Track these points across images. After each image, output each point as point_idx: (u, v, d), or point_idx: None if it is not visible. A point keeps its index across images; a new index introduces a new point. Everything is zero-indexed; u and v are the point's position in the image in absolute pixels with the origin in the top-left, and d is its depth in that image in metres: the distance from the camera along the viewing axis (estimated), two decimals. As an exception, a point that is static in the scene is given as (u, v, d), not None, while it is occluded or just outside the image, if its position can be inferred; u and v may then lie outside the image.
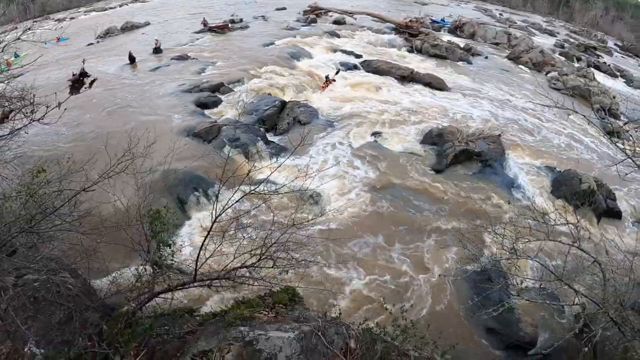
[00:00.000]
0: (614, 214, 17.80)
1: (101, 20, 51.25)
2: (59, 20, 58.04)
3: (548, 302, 9.92)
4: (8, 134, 9.24)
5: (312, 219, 9.54)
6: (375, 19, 49.02)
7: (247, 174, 8.21)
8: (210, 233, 7.68)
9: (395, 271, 13.20)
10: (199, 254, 7.75)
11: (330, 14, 50.01)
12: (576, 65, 44.46)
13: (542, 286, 10.11)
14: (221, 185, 8.06)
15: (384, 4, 66.07)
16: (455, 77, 32.79)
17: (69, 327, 7.16)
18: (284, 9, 54.40)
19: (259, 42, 35.34)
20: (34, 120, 7.96)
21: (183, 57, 30.33)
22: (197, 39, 37.00)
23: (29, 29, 9.38)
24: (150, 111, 20.73)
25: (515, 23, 70.89)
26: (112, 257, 9.49)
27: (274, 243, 7.74)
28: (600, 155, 23.14)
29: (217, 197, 8.04)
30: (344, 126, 21.38)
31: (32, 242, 8.06)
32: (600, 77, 41.27)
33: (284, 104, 22.73)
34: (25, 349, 6.60)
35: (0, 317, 6.69)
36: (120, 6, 69.15)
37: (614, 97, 32.70)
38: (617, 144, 9.72)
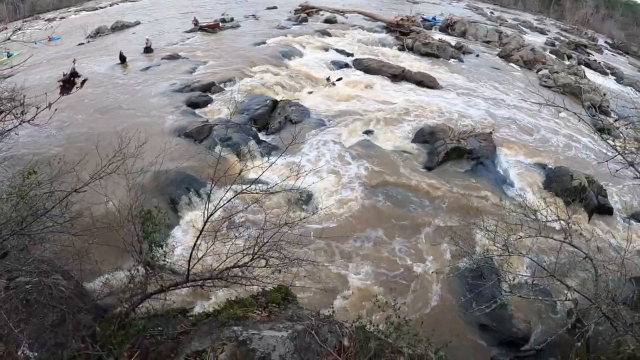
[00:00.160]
0: (605, 210, 17.94)
1: (91, 20, 51.01)
2: (49, 20, 57.74)
3: (541, 298, 9.98)
4: (-2, 135, 9.17)
5: (304, 218, 9.54)
6: (366, 17, 49.05)
7: (239, 174, 8.21)
8: (203, 233, 7.67)
9: (388, 268, 13.25)
10: (191, 254, 7.74)
11: (321, 12, 49.96)
12: (567, 63, 44.78)
13: (534, 282, 10.19)
14: (213, 185, 8.06)
15: (375, 2, 66.04)
16: (447, 75, 32.84)
17: (62, 329, 7.13)
18: (275, 7, 54.29)
19: (250, 41, 35.28)
20: (24, 122, 7.91)
21: (174, 57, 30.24)
22: (188, 38, 36.93)
23: (19, 29, 9.30)
24: (141, 111, 20.66)
25: (506, 21, 71.24)
26: (104, 258, 9.45)
27: (267, 242, 7.74)
28: (591, 152, 23.29)
29: (209, 197, 8.02)
30: (335, 125, 21.39)
31: (23, 245, 8.00)
32: (590, 74, 41.49)
33: (275, 103, 22.73)
34: (19, 352, 6.57)
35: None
36: (111, 5, 68.87)
37: (605, 95, 32.92)
38: (607, 140, 9.74)
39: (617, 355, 7.51)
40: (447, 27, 51.11)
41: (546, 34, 67.63)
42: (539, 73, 37.99)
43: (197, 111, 21.27)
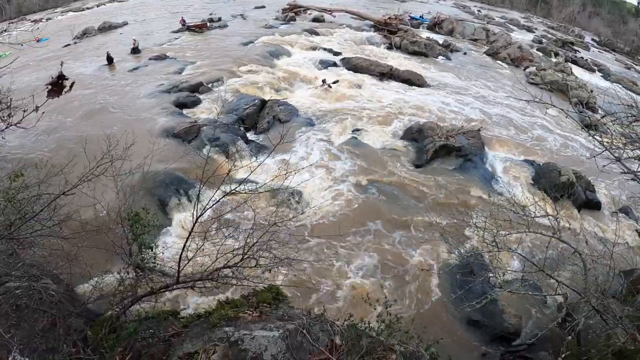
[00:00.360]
0: (593, 205, 18.14)
1: (78, 21, 50.55)
2: (35, 21, 57.07)
3: (531, 293, 10.04)
4: (-16, 139, 9.10)
5: (293, 217, 9.56)
6: (354, 16, 49.18)
7: (227, 174, 8.16)
8: (192, 234, 7.66)
9: (378, 266, 13.29)
10: (181, 256, 7.72)
11: (309, 12, 49.98)
12: (554, 60, 45.03)
13: (524, 278, 10.23)
14: (201, 186, 8.05)
15: (363, 1, 66.07)
16: (435, 73, 33.00)
17: (53, 334, 7.08)
18: (263, 7, 54.23)
19: (238, 41, 35.20)
20: (11, 125, 7.85)
21: (161, 57, 30.16)
22: (176, 38, 36.73)
23: (5, 30, 9.24)
24: (129, 113, 20.56)
25: (494, 19, 71.52)
26: (94, 261, 9.40)
27: (256, 242, 7.75)
28: (579, 148, 23.52)
29: (197, 197, 8.04)
30: (324, 123, 21.44)
31: (12, 249, 7.94)
32: (577, 71, 41.82)
33: (263, 102, 22.72)
34: (10, 358, 6.51)
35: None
36: (98, 6, 68.26)
37: (592, 91, 33.25)
38: (594, 136, 9.82)
39: (607, 348, 7.57)
40: (435, 25, 51.24)
41: (533, 32, 68.02)
42: (527, 70, 38.30)
43: (185, 112, 21.21)
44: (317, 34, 40.14)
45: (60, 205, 8.07)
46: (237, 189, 8.01)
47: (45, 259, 8.61)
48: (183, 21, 40.62)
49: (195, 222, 7.60)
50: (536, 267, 9.04)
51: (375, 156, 18.87)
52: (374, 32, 43.53)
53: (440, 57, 37.75)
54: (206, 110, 21.62)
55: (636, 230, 16.29)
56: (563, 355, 7.94)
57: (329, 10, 49.21)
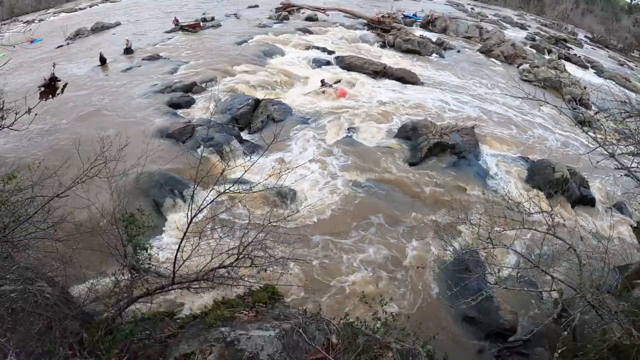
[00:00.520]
0: (588, 201, 18.22)
1: (71, 22, 50.29)
2: (27, 22, 56.80)
3: (526, 289, 10.08)
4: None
5: (287, 216, 9.56)
6: (347, 15, 49.14)
7: (221, 174, 8.16)
8: (187, 234, 7.65)
9: (373, 264, 13.30)
10: (176, 256, 7.70)
11: (302, 11, 49.95)
12: (547, 57, 45.24)
13: (519, 274, 10.30)
14: (195, 186, 8.04)
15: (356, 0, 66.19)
16: (428, 71, 33.06)
17: (49, 337, 7.05)
18: (257, 6, 54.11)
19: (232, 40, 35.13)
20: (3, 127, 7.81)
21: (154, 57, 30.05)
22: (169, 38, 36.59)
23: (-3, 32, 9.20)
24: (122, 113, 20.48)
25: (487, 17, 71.72)
26: (89, 263, 9.40)
27: (251, 242, 7.75)
28: (573, 144, 23.62)
29: (192, 198, 8.01)
30: (318, 122, 21.42)
31: (6, 252, 7.90)
32: (571, 68, 42.00)
33: (257, 102, 22.66)
34: (6, 362, 6.50)
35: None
36: (90, 6, 67.99)
37: (585, 88, 33.35)
38: (588, 133, 9.90)
39: (603, 343, 7.59)
40: (428, 23, 51.30)
41: (526, 29, 68.37)
42: (520, 68, 38.40)
43: (179, 112, 21.13)
44: (310, 32, 40.14)
45: (54, 208, 8.04)
46: (231, 189, 8.01)
47: (40, 262, 8.57)
48: (176, 21, 40.46)
49: (190, 222, 7.58)
50: (531, 263, 9.06)
51: (369, 154, 18.87)
52: (367, 30, 43.52)
53: (433, 55, 37.81)
54: (200, 110, 21.55)
55: (630, 226, 16.39)
56: (559, 351, 7.98)
57: (322, 9, 49.20)
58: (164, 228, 13.98)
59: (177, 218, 13.89)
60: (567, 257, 9.82)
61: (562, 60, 42.15)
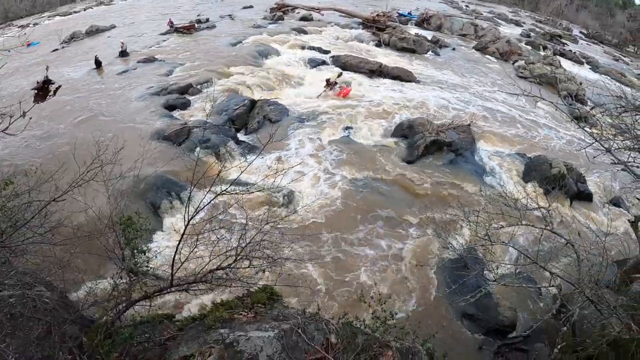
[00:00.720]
0: (585, 197, 18.19)
1: (66, 25, 50.18)
2: (22, 26, 56.79)
3: (525, 285, 10.12)
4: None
5: (285, 216, 9.57)
6: (342, 14, 49.17)
7: (218, 175, 8.13)
8: (184, 236, 7.62)
9: (371, 263, 13.31)
10: (174, 259, 7.67)
11: (297, 10, 50.01)
12: (542, 53, 45.35)
13: (518, 270, 10.31)
14: (192, 188, 8.02)
15: (351, -1, 66.23)
16: (424, 69, 33.09)
17: (48, 341, 7.03)
18: (251, 7, 54.21)
19: (227, 41, 35.12)
20: (-2, 132, 7.79)
21: (150, 60, 30.00)
22: (164, 40, 36.55)
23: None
24: (118, 116, 20.46)
25: (482, 14, 71.90)
26: (87, 267, 9.38)
27: (249, 243, 7.73)
28: (569, 140, 23.66)
29: (189, 199, 8.00)
30: (314, 122, 21.40)
31: (5, 257, 7.88)
32: (566, 64, 42.17)
33: (253, 102, 22.69)
34: (6, 367, 6.48)
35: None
36: (85, 10, 68.04)
37: (581, 84, 33.42)
38: (584, 128, 9.92)
39: (602, 338, 7.59)
40: (423, 21, 51.42)
41: (521, 26, 68.55)
42: (515, 64, 38.50)
43: (175, 113, 21.15)
44: (305, 32, 40.11)
45: (51, 212, 8.00)
46: (228, 190, 7.99)
47: (38, 266, 8.54)
48: (171, 23, 40.44)
49: (187, 224, 7.56)
50: (530, 259, 9.08)
51: (367, 153, 18.87)
52: (362, 29, 43.61)
53: (429, 53, 37.91)
54: (196, 112, 21.55)
55: (628, 220, 16.41)
56: (559, 346, 8.00)
57: (317, 9, 49.19)
58: (161, 231, 13.97)
59: (174, 220, 13.88)
60: (566, 253, 9.89)
61: (558, 57, 42.34)
